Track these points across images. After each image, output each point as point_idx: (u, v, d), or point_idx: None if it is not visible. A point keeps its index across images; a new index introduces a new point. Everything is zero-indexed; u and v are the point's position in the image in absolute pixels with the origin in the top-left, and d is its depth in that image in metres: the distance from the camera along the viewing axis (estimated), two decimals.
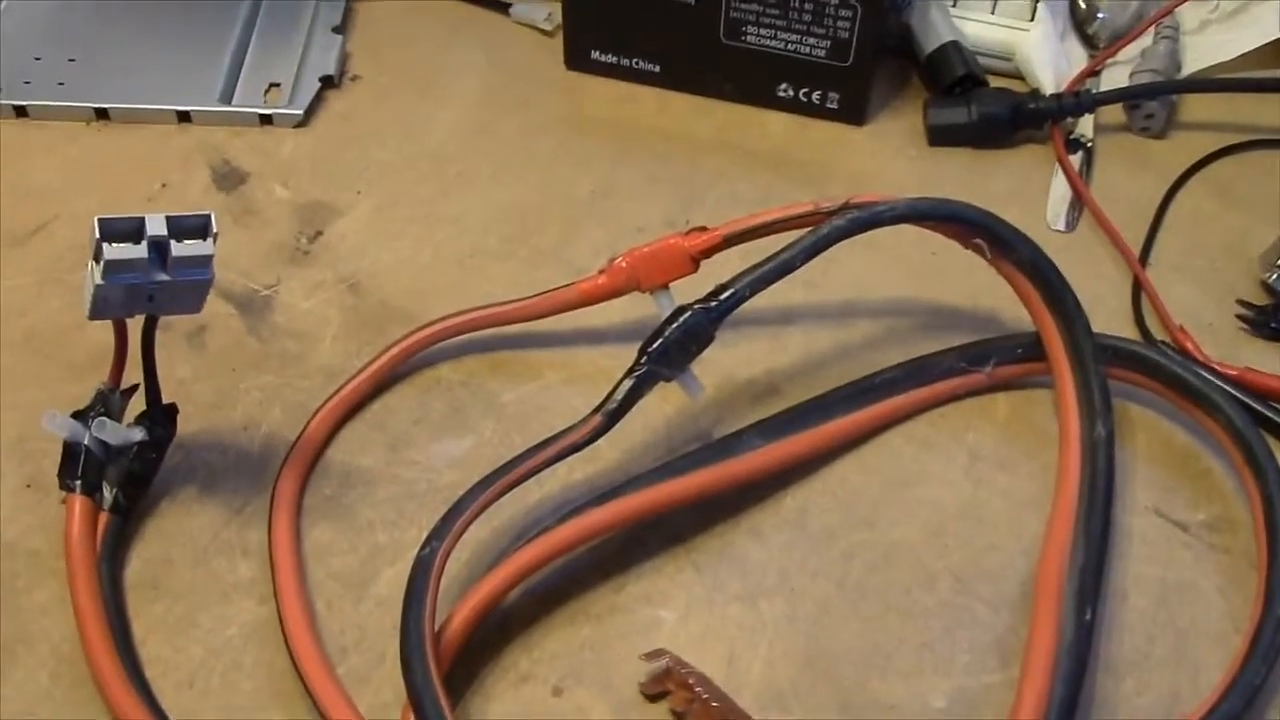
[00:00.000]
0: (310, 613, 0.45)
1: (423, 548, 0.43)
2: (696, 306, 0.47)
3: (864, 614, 0.47)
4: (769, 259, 0.47)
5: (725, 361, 0.53)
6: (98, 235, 0.40)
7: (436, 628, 0.43)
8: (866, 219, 0.48)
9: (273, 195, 0.60)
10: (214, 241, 0.42)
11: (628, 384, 0.47)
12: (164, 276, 0.41)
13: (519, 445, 0.47)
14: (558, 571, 0.47)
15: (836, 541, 0.49)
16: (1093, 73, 0.66)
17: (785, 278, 0.47)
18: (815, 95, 0.64)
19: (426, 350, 0.54)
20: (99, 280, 0.41)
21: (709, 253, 0.50)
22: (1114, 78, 0.66)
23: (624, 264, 0.51)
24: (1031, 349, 0.52)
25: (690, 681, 0.43)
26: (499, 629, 0.45)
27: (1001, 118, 0.63)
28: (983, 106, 0.63)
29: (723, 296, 0.47)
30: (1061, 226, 0.60)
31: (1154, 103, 0.63)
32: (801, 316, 0.56)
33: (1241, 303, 0.56)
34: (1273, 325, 0.55)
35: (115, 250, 0.40)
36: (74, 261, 0.57)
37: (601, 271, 0.52)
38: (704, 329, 0.47)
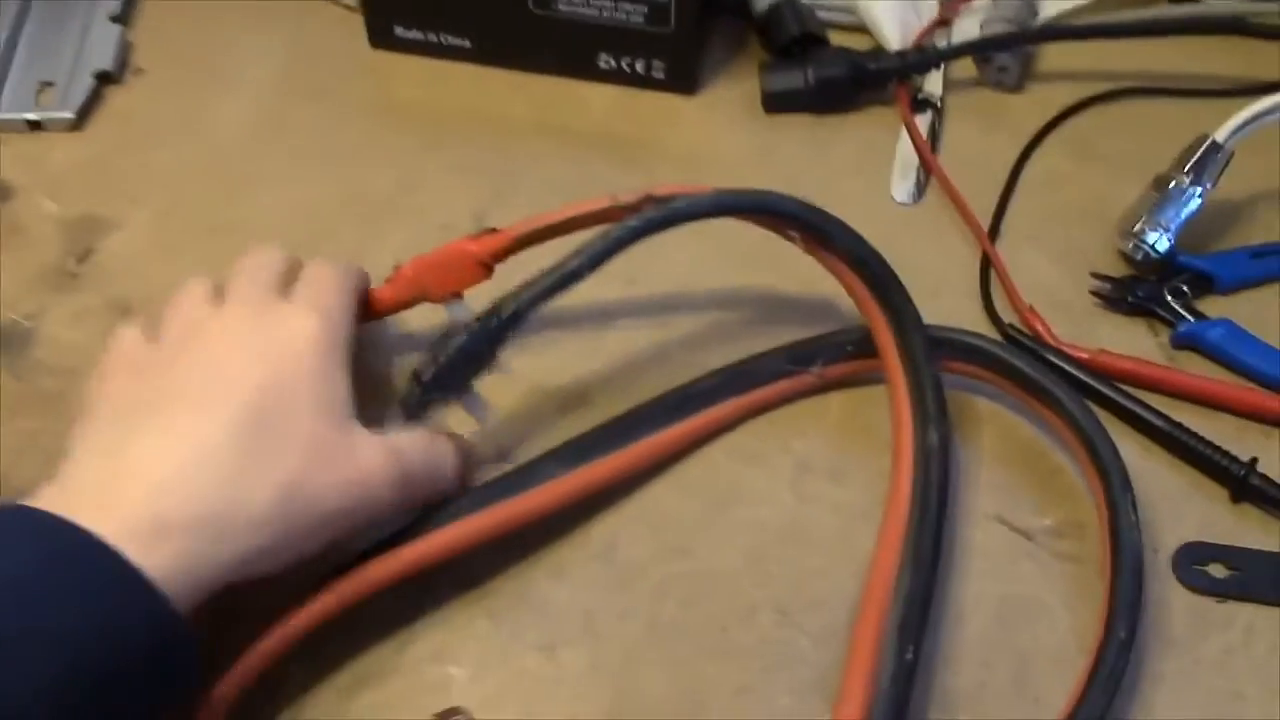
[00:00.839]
0: None
1: None
2: (473, 326, 0.42)
3: (676, 657, 0.42)
4: (552, 268, 0.42)
5: (531, 369, 0.48)
6: None
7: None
8: (663, 218, 0.43)
9: (40, 211, 0.54)
10: None
11: (399, 415, 0.43)
12: None
13: None
14: (332, 631, 0.42)
15: (647, 576, 0.44)
16: (943, 24, 0.60)
17: (573, 285, 0.42)
18: (639, 65, 0.58)
19: None
20: None
21: (501, 256, 0.46)
22: (965, 29, 0.60)
23: (409, 272, 0.46)
24: (864, 344, 0.47)
25: None
26: (268, 701, 0.41)
27: (842, 80, 0.58)
28: (821, 69, 0.58)
29: (501, 315, 0.42)
30: (905, 199, 0.55)
31: (1006, 55, 0.58)
32: (619, 315, 0.51)
33: (1097, 276, 0.52)
34: (1129, 300, 0.51)
35: None
36: None
37: (387, 281, 0.47)
38: (481, 351, 0.43)
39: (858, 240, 0.45)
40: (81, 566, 0.34)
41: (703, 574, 0.44)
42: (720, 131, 0.58)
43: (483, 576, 0.44)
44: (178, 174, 0.56)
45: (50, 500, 0.35)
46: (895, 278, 0.45)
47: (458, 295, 0.46)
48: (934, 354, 0.45)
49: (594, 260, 0.42)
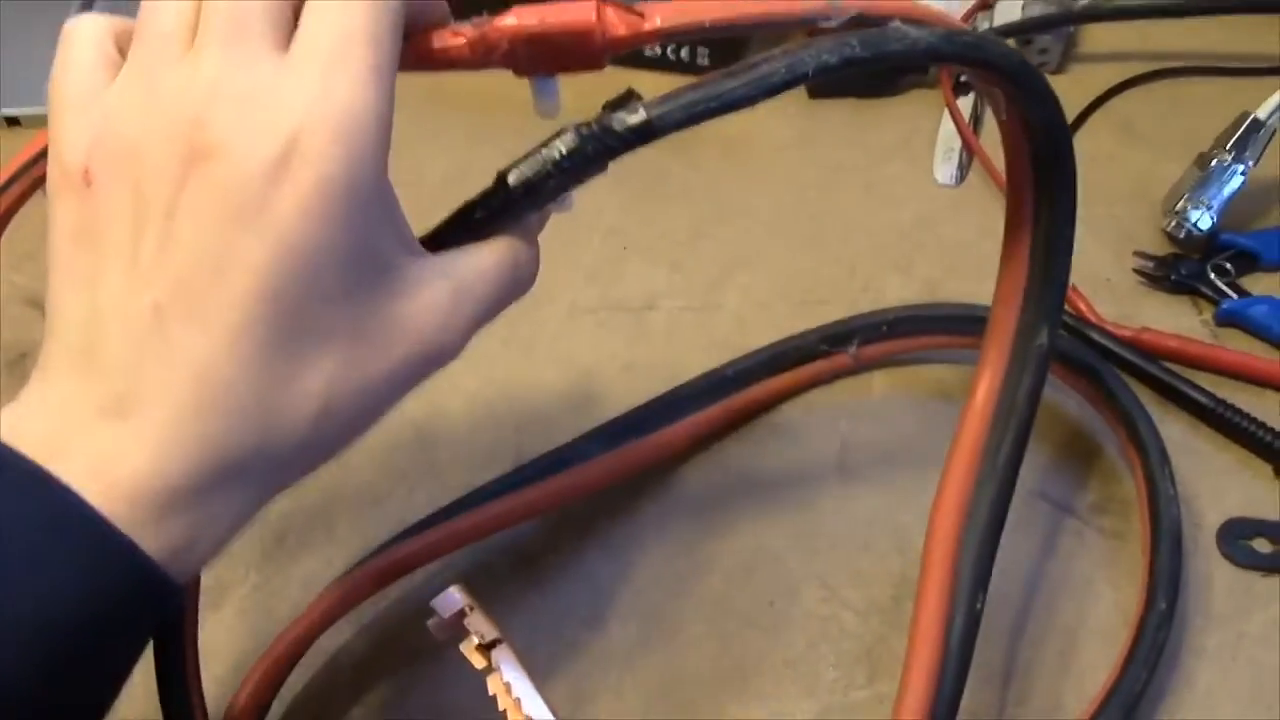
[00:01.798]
0: None
1: None
2: (595, 131, 0.32)
3: (722, 632, 0.43)
4: (710, 79, 0.31)
5: (579, 350, 0.49)
6: None
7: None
8: (868, 55, 0.31)
9: None
10: None
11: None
12: None
13: None
14: (385, 601, 0.43)
15: (694, 551, 0.45)
16: (985, 6, 0.61)
17: (731, 112, 0.31)
18: (685, 51, 0.59)
19: None
20: None
21: (630, 44, 0.33)
22: (1007, 11, 0.61)
23: (505, 29, 0.32)
24: (900, 325, 0.48)
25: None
26: (327, 671, 0.42)
27: None
28: None
29: (630, 121, 0.31)
30: (948, 180, 0.56)
31: (1048, 36, 0.59)
32: (665, 297, 0.52)
33: (1140, 254, 0.52)
34: (1172, 279, 0.51)
35: None
36: None
37: (473, 27, 0.33)
38: (592, 162, 0.32)
39: (1061, 124, 0.37)
40: (70, 540, 0.26)
41: (749, 550, 0.45)
42: (765, 115, 0.58)
43: (533, 550, 0.45)
44: None
45: (37, 439, 0.26)
46: (1074, 170, 0.39)
47: (550, 76, 0.36)
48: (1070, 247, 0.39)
49: (767, 87, 0.31)
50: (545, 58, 0.34)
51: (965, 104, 0.58)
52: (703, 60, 0.59)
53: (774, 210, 0.54)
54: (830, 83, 0.59)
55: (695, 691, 0.42)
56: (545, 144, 0.33)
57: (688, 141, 0.57)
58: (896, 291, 0.51)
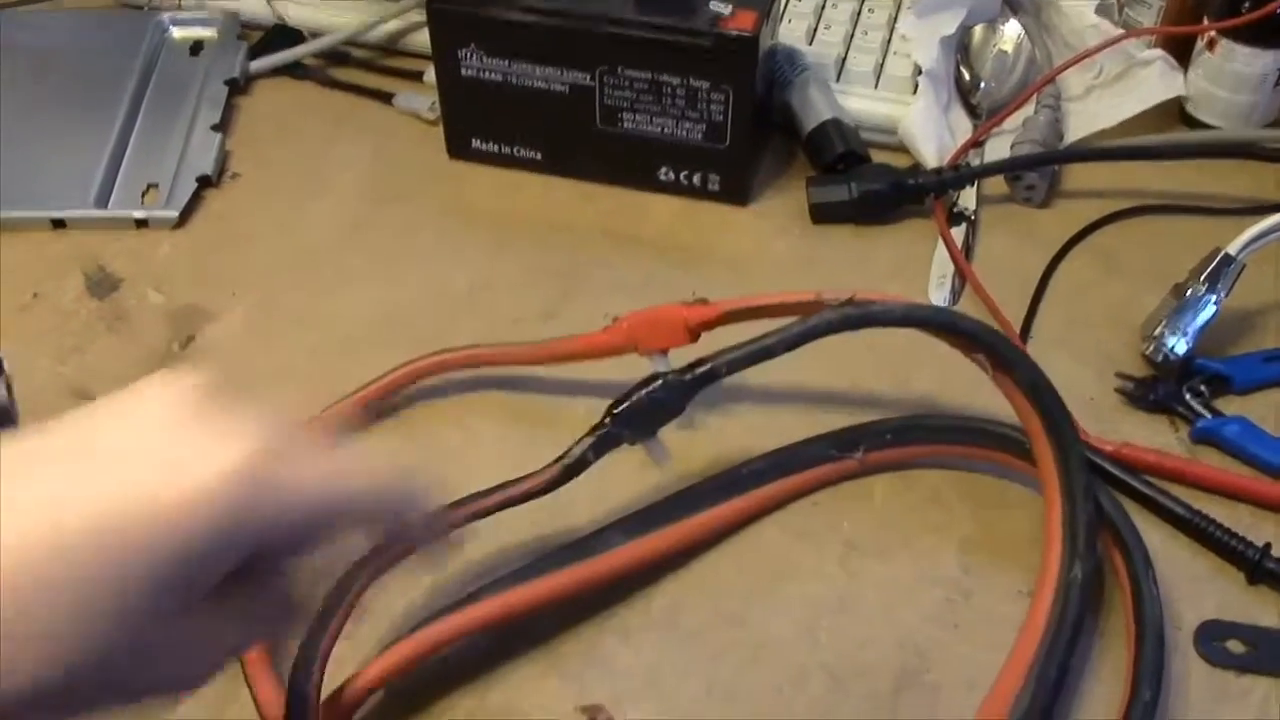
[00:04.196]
0: None
1: (346, 573, 0.43)
2: (669, 376, 0.47)
3: (733, 717, 0.46)
4: (751, 341, 0.47)
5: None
6: None
7: None
8: (859, 317, 0.47)
9: (146, 301, 0.59)
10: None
11: (588, 441, 0.46)
12: None
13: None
14: (417, 676, 0.45)
15: (706, 641, 0.48)
16: (976, 144, 0.66)
17: (766, 360, 0.47)
18: (696, 178, 0.64)
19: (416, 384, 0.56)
20: None
21: (707, 326, 0.50)
22: (997, 148, 0.65)
23: (625, 325, 0.51)
24: (903, 433, 0.52)
25: None
26: None
27: (883, 194, 0.63)
28: (864, 183, 0.63)
29: (698, 371, 0.47)
30: (942, 302, 0.60)
31: (1034, 173, 0.63)
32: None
33: (1121, 375, 0.56)
34: (1151, 398, 0.55)
35: None
36: None
37: (605, 329, 0.52)
38: (673, 399, 0.47)
39: (1036, 371, 0.48)
40: None
41: (757, 641, 0.48)
42: (770, 239, 0.63)
43: (552, 635, 0.48)
44: (271, 270, 0.61)
45: None
46: (1067, 413, 0.48)
47: (662, 352, 0.50)
48: (1088, 489, 0.47)
49: (790, 342, 0.46)
50: (656, 336, 0.50)
51: (958, 233, 0.62)
52: (713, 185, 0.64)
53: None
54: (833, 210, 0.63)
55: None
56: (641, 387, 0.47)
57: (700, 260, 0.61)
58: (895, 403, 0.55)
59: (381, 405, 0.55)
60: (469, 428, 0.55)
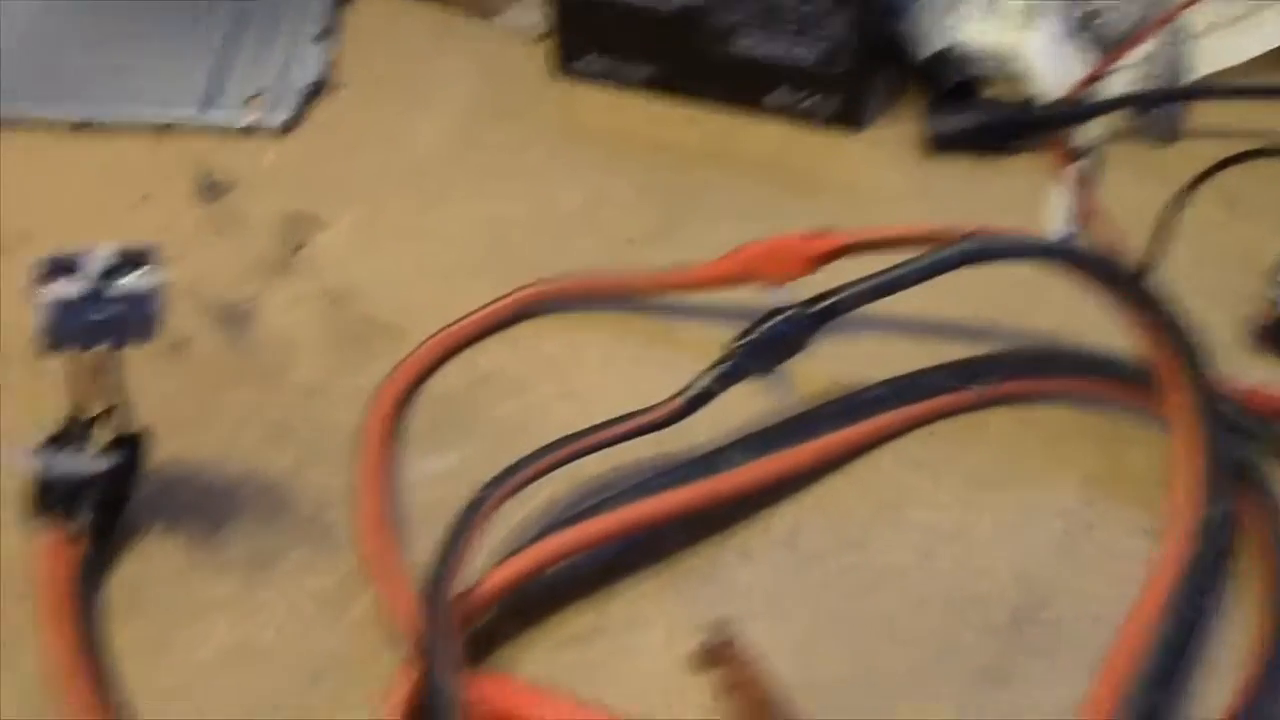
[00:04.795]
0: None
1: (479, 491, 0.43)
2: (793, 309, 0.46)
3: (853, 640, 0.45)
4: (878, 274, 0.46)
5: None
6: (37, 272, 0.40)
7: None
8: (990, 250, 0.47)
9: (254, 206, 0.59)
10: (159, 273, 0.41)
11: (712, 374, 0.46)
12: (110, 311, 0.41)
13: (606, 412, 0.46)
14: (537, 588, 0.45)
15: (826, 563, 0.47)
16: (1096, 78, 0.64)
17: (891, 294, 0.47)
18: (808, 102, 0.62)
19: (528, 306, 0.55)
20: (42, 319, 0.40)
21: (828, 257, 0.50)
22: (1118, 83, 0.64)
23: (742, 255, 0.51)
24: (1020, 366, 0.51)
25: (748, 657, 0.42)
26: (470, 647, 0.44)
27: (1001, 126, 0.61)
28: (982, 114, 0.62)
29: (823, 304, 0.46)
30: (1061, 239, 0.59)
31: (1158, 110, 0.62)
32: None
33: (1251, 318, 0.55)
34: None
35: (56, 288, 0.40)
36: None
37: (723, 257, 0.52)
38: (798, 333, 0.46)
39: (1168, 308, 0.47)
40: None
41: (877, 567, 0.47)
42: (882, 168, 0.62)
43: (673, 552, 0.47)
44: (378, 183, 0.61)
45: None
46: (1199, 350, 0.47)
47: (781, 283, 0.50)
48: (1220, 430, 0.47)
49: (919, 275, 0.46)
50: (775, 267, 0.50)
51: (1078, 170, 0.61)
52: (826, 111, 0.62)
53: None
54: (949, 140, 0.62)
55: (827, 694, 0.44)
56: (764, 321, 0.46)
57: (810, 188, 0.60)
58: (1015, 337, 0.54)
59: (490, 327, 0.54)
60: (577, 345, 0.54)
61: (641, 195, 0.60)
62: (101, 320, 0.40)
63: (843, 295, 0.46)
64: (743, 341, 0.46)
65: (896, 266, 0.46)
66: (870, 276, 0.46)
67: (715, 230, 0.57)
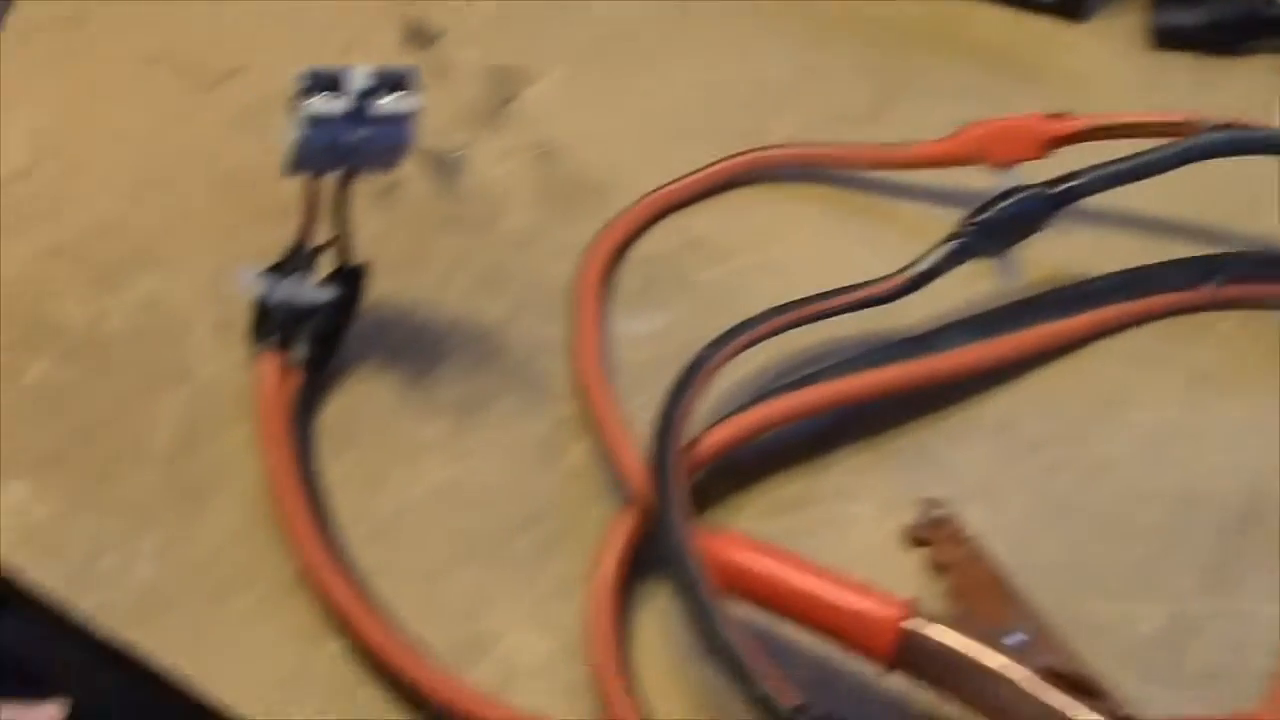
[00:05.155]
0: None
1: (702, 350, 0.42)
2: (1036, 188, 0.46)
3: (1070, 530, 0.44)
4: (1123, 159, 0.46)
5: None
6: (299, 86, 0.39)
7: None
8: (1244, 141, 0.46)
9: (464, 56, 0.58)
10: (417, 99, 0.40)
11: (942, 250, 0.45)
12: (364, 133, 0.40)
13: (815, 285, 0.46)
14: (748, 453, 0.45)
15: (1041, 453, 0.46)
16: None
17: (1135, 181, 0.46)
18: None
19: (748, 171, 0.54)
20: (297, 134, 0.40)
21: (1066, 140, 0.49)
22: None
23: (973, 134, 0.50)
24: (1262, 267, 0.49)
25: (965, 536, 0.42)
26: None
27: (1235, 22, 0.59)
28: (1215, 8, 0.59)
29: (1066, 185, 0.45)
30: None
31: None
32: None
33: None
34: None
35: (317, 103, 0.39)
36: (262, 112, 0.56)
37: (949, 136, 0.51)
38: (1037, 213, 0.46)
39: None
40: None
41: (1095, 460, 0.46)
42: (1106, 60, 0.60)
43: (884, 428, 0.46)
44: (587, 39, 0.60)
45: None
46: None
47: (1009, 165, 0.49)
48: None
49: (1166, 163, 0.46)
50: (1007, 148, 0.49)
51: None
52: None
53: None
54: (1177, 34, 0.59)
55: (1043, 581, 0.43)
56: (1002, 198, 0.46)
57: (1030, 76, 0.58)
58: (1248, 239, 0.52)
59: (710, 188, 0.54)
60: (792, 216, 0.53)
61: (854, 71, 0.59)
62: (353, 142, 0.39)
63: (1087, 178, 0.45)
64: (977, 219, 0.45)
65: (1143, 153, 0.45)
66: (1115, 161, 0.45)
67: (929, 112, 0.56)
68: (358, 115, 0.39)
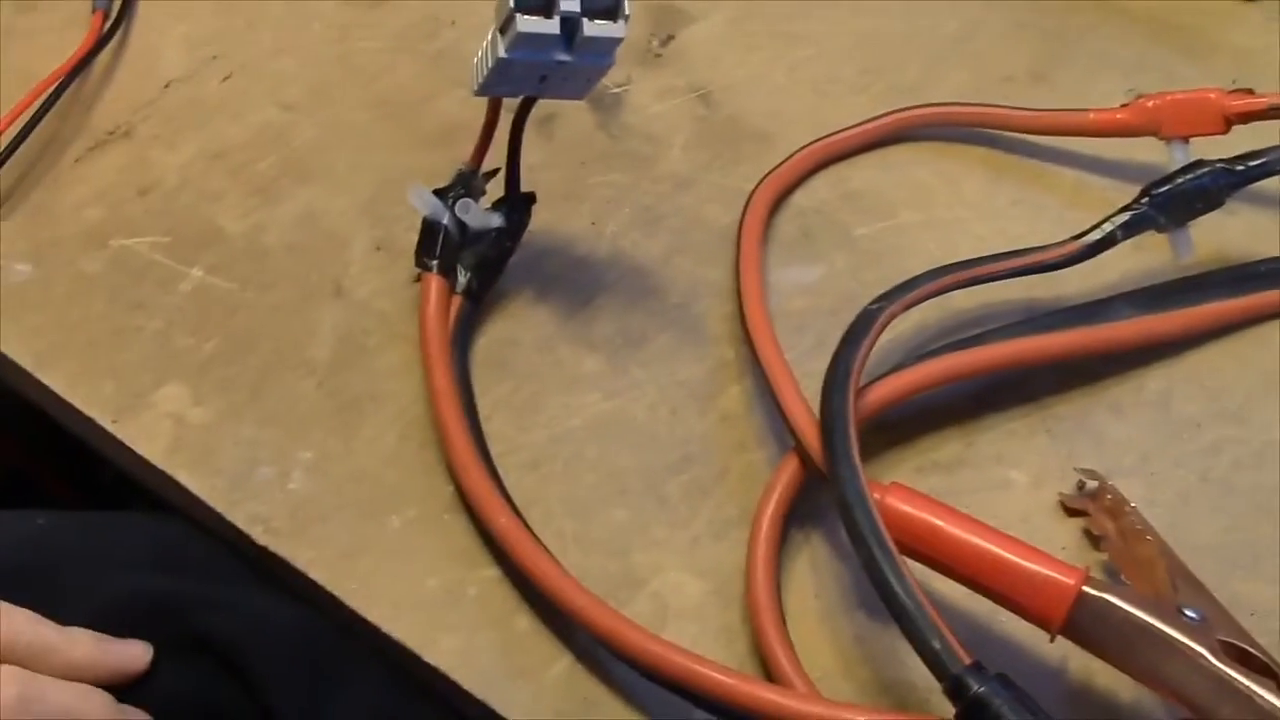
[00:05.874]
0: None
1: (871, 304, 0.42)
2: (1219, 164, 0.45)
3: (1230, 511, 0.44)
4: None
5: None
6: (511, 5, 0.38)
7: None
8: None
9: None
10: (625, 24, 0.40)
11: (1119, 219, 0.45)
12: (567, 57, 0.39)
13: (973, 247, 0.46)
14: (907, 410, 0.44)
15: (1203, 432, 0.46)
16: None
17: None
18: None
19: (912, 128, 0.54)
20: (503, 54, 0.39)
21: (1248, 118, 0.48)
22: None
23: (1151, 104, 0.50)
24: None
25: (1126, 509, 0.42)
26: None
27: None
28: None
29: (1252, 163, 0.45)
30: None
31: None
32: None
33: None
34: None
35: (528, 23, 0.38)
36: (425, 31, 0.56)
37: (1124, 105, 0.51)
38: (1218, 190, 0.46)
39: None
40: None
41: (1258, 443, 0.45)
42: (1277, 39, 0.58)
43: (1044, 396, 0.46)
44: None
45: None
46: None
47: (1185, 139, 0.49)
48: None
49: None
50: (1183, 120, 0.49)
51: None
52: None
53: None
54: None
55: (1200, 559, 0.42)
56: (1185, 171, 0.45)
57: (1200, 49, 0.57)
58: None
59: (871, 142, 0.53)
60: (951, 175, 0.53)
61: (1020, 31, 0.58)
62: (556, 65, 0.39)
63: (1274, 156, 0.44)
64: (1159, 191, 0.45)
65: None
66: None
67: (1094, 78, 0.55)
68: (564, 39, 0.38)
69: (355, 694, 0.41)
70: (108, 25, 0.55)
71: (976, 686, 0.33)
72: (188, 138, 0.52)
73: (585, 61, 0.39)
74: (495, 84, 0.40)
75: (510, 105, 0.43)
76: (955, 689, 0.33)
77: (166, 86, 0.54)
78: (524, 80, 0.40)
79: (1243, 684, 0.33)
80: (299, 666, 0.41)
